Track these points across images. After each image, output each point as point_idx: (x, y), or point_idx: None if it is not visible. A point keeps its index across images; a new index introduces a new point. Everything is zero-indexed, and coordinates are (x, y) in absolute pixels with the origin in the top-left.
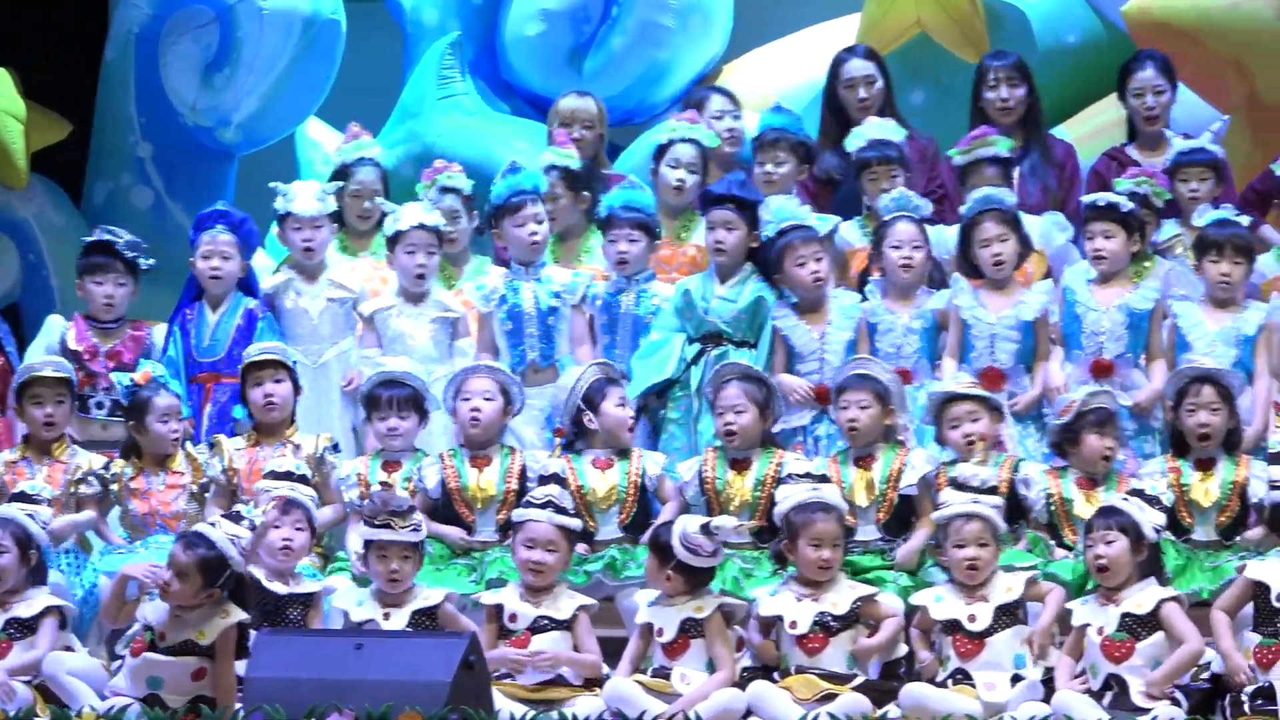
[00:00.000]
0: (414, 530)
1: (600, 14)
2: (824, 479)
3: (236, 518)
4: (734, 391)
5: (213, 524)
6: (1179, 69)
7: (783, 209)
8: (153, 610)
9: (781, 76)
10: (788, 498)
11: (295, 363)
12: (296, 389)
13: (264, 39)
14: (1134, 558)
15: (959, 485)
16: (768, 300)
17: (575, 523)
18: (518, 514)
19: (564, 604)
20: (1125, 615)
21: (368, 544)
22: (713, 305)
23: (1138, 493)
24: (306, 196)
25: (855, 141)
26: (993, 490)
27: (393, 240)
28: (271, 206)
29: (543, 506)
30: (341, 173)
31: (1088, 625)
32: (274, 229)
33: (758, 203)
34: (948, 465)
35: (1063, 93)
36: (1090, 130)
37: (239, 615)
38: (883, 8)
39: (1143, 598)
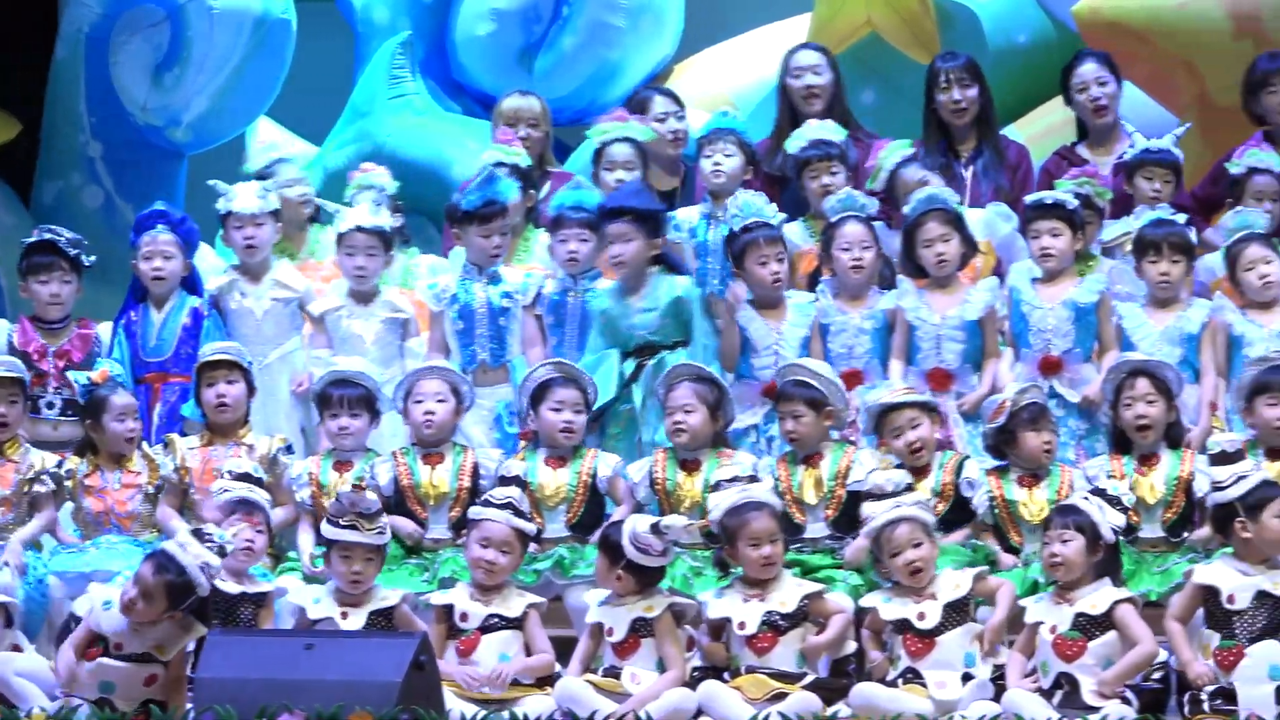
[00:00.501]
0: (379, 533)
1: (551, 14)
2: (754, 479)
3: (202, 536)
4: (684, 392)
5: (182, 545)
6: (1130, 69)
7: (750, 203)
8: (108, 620)
9: (732, 77)
10: (719, 504)
11: (250, 363)
12: (251, 390)
13: (214, 38)
14: (1089, 558)
15: (876, 496)
16: (685, 295)
17: (531, 527)
18: (475, 511)
19: (514, 603)
20: (1079, 615)
21: (332, 544)
22: (634, 319)
23: (1099, 492)
24: (247, 195)
25: (796, 142)
26: (910, 488)
27: (337, 243)
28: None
29: (502, 507)
30: (261, 178)
31: (1040, 623)
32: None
33: (655, 210)
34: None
35: (1013, 93)
36: (1041, 130)
37: (200, 631)
38: (833, 8)
39: (1097, 598)
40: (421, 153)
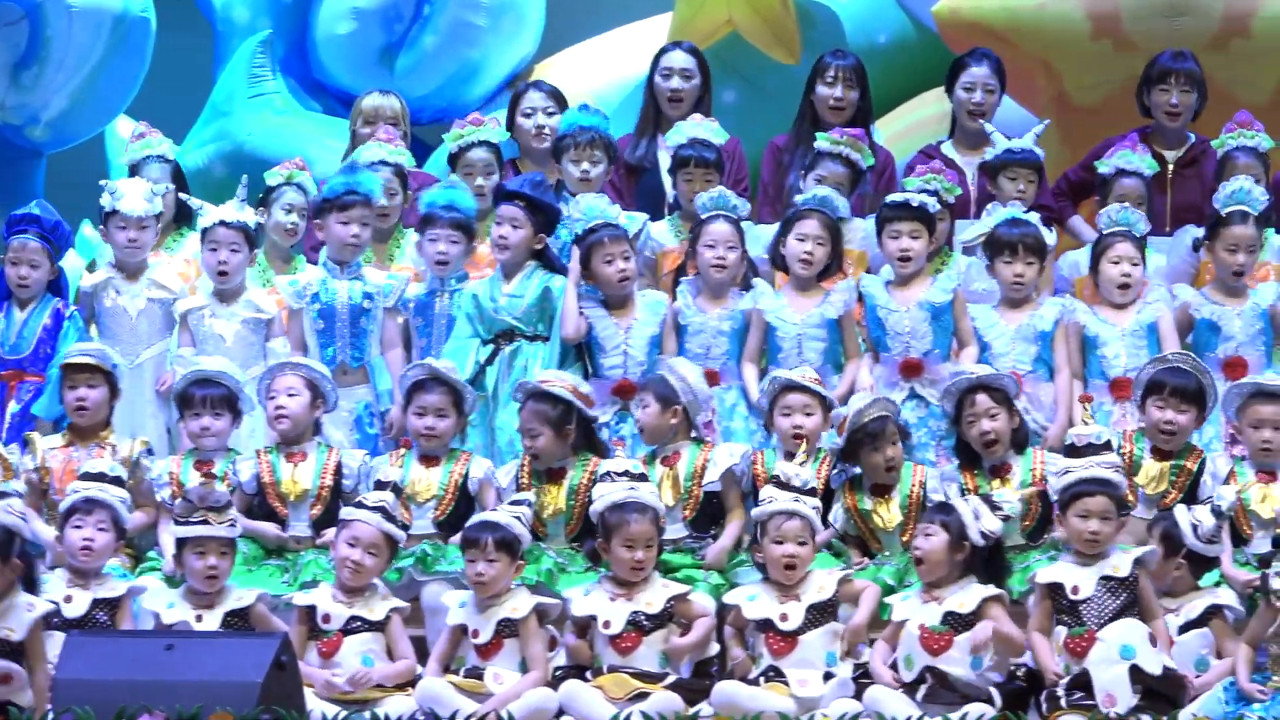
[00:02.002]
0: (231, 525)
1: (412, 13)
2: (642, 478)
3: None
4: (526, 415)
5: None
6: None
7: (593, 207)
8: None
9: (593, 76)
10: (604, 496)
11: (115, 366)
12: (115, 393)
13: (73, 36)
14: (951, 555)
15: (781, 484)
16: (554, 291)
17: (401, 534)
18: (347, 512)
19: (377, 606)
20: (948, 614)
21: (184, 541)
22: (501, 303)
23: (986, 498)
24: (135, 196)
25: (676, 137)
26: (812, 492)
27: (201, 238)
28: (80, 205)
29: (374, 510)
30: (133, 172)
31: (907, 620)
32: (85, 226)
33: (550, 206)
34: (763, 454)
35: (874, 92)
36: (901, 129)
37: (44, 607)
38: (694, 7)
39: (965, 597)
40: (282, 152)
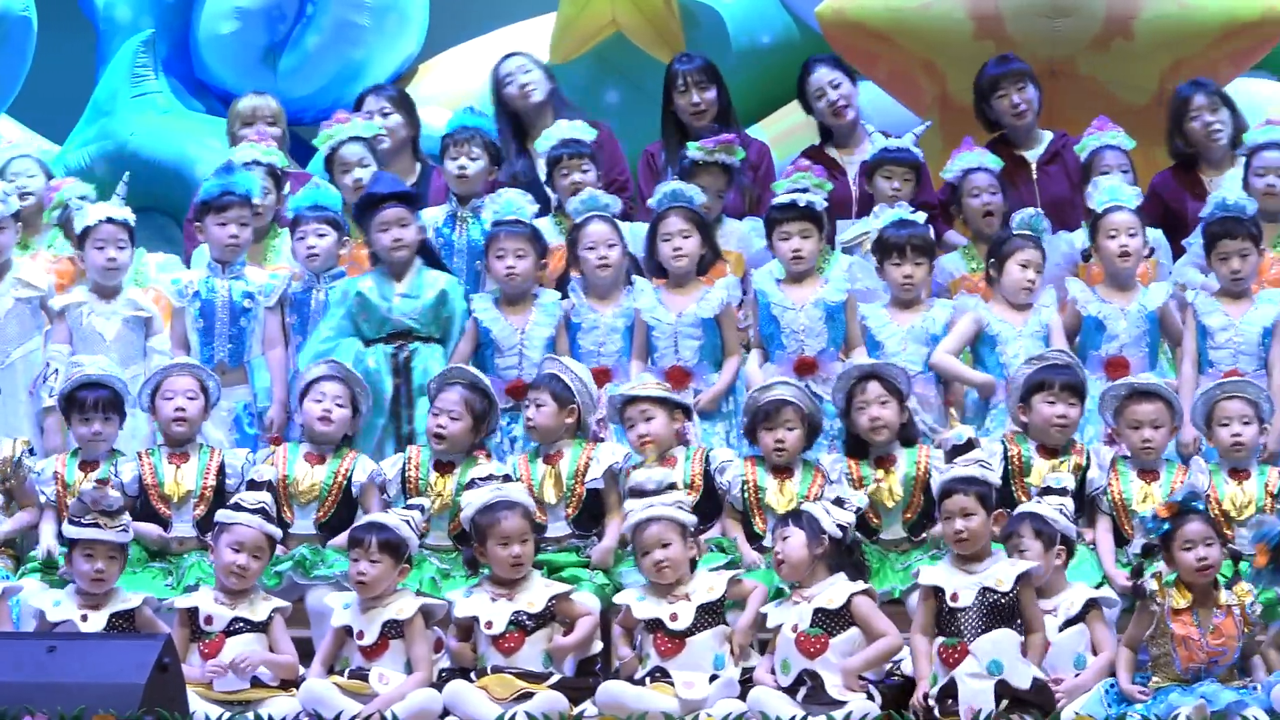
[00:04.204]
0: (123, 530)
1: (295, 12)
2: (507, 478)
3: None
4: (454, 397)
5: None
6: (872, 69)
7: (510, 202)
8: None
9: (478, 76)
10: (471, 502)
11: None
12: None
13: None
14: (811, 553)
15: (636, 492)
16: (451, 293)
17: (278, 532)
18: (225, 515)
19: (259, 607)
20: (818, 611)
21: (74, 543)
22: (395, 304)
23: (836, 499)
24: None
25: (546, 142)
26: (672, 486)
27: (83, 236)
28: None
29: (254, 512)
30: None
31: (781, 625)
32: None
33: (418, 196)
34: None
35: (757, 93)
36: (784, 130)
37: None
38: (577, 7)
39: (833, 593)
40: (165, 151)
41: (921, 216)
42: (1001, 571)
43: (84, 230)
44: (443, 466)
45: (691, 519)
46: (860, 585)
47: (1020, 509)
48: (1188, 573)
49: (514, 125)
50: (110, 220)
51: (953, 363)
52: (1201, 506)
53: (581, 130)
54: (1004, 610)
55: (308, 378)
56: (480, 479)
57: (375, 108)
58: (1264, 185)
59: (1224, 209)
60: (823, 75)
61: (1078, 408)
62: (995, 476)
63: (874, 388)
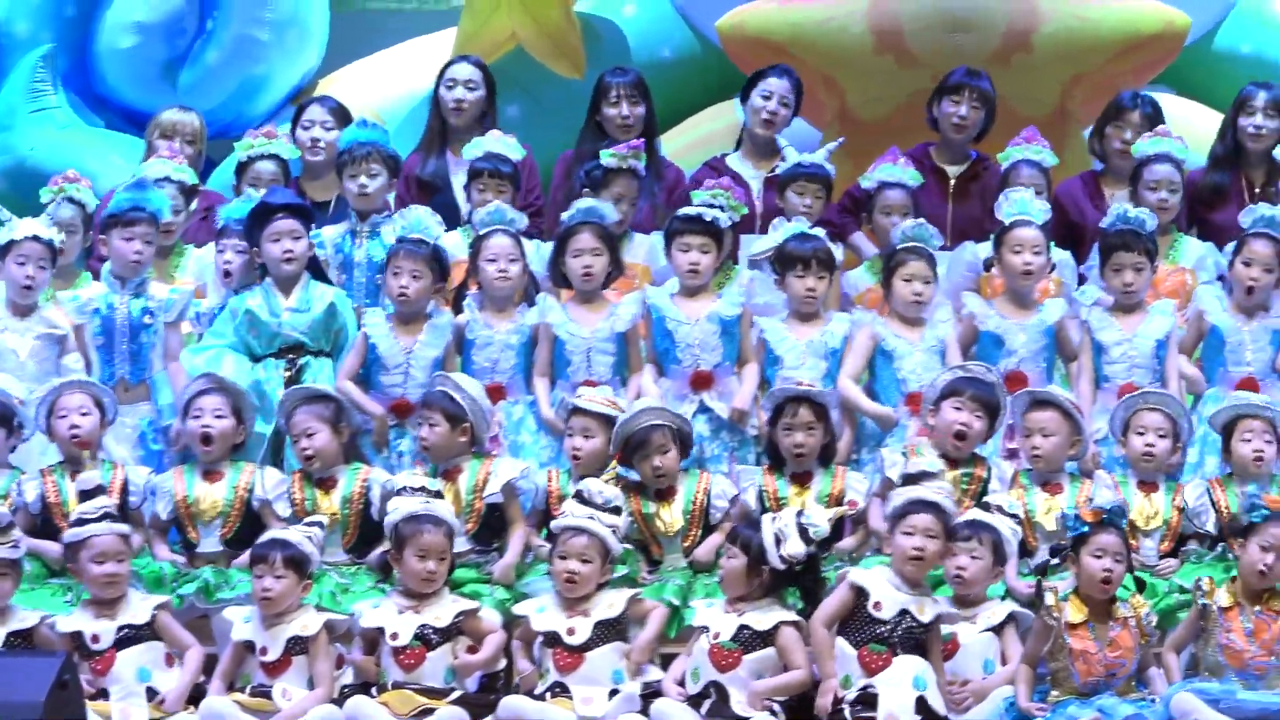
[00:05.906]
0: (13, 547)
1: (195, 27)
2: (438, 495)
3: None
4: (303, 417)
5: None
6: None
7: (419, 220)
8: None
9: (379, 90)
10: (398, 509)
11: None
12: None
13: None
14: (750, 578)
15: (583, 499)
16: (340, 306)
17: (127, 528)
18: (76, 533)
19: (139, 609)
20: (743, 628)
21: None
22: (285, 318)
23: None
24: None
25: (473, 151)
26: (615, 510)
27: (4, 250)
28: None
29: (100, 519)
30: None
31: (705, 628)
32: None
33: (312, 212)
34: (558, 472)
35: (658, 107)
36: (685, 144)
37: None
38: (478, 22)
39: (765, 617)
40: (64, 166)
41: (821, 231)
42: (925, 603)
43: (7, 245)
44: (323, 483)
45: (619, 549)
46: (792, 615)
47: (979, 518)
48: (1088, 582)
49: (441, 124)
50: (36, 238)
51: (855, 393)
52: (1123, 524)
53: (512, 149)
54: (918, 637)
55: (185, 396)
56: (413, 488)
57: (317, 118)
58: (1156, 200)
59: (1124, 221)
60: (779, 85)
61: (984, 421)
62: (953, 505)
63: (804, 412)
